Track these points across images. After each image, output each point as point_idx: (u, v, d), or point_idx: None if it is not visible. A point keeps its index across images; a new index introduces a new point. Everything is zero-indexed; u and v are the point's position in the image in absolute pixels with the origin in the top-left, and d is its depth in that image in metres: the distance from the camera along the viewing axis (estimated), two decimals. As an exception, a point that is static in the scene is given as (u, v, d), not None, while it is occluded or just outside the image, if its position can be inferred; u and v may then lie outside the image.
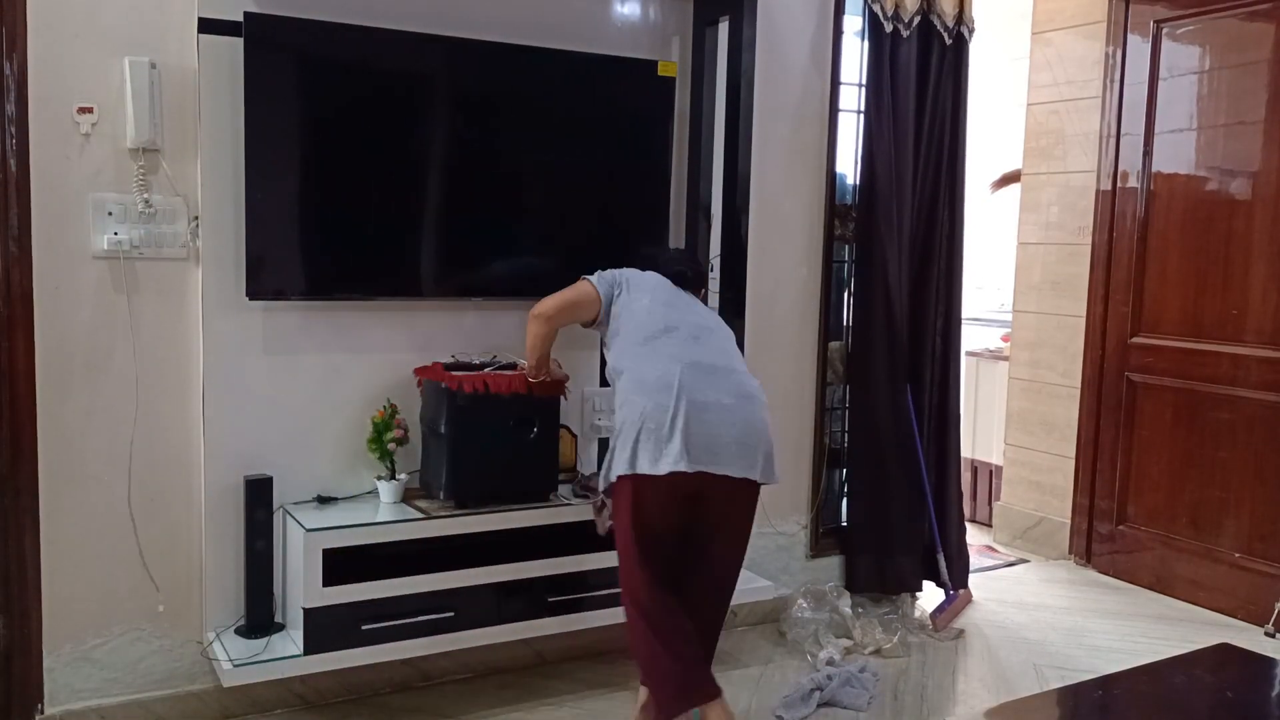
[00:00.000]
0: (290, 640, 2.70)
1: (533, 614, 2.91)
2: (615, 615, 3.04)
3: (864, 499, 3.75)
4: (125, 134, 2.61)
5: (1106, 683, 2.17)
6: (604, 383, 3.29)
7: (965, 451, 5.08)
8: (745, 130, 3.19)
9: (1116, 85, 4.23)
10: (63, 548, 2.65)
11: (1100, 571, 4.34)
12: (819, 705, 3.01)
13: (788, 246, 3.60)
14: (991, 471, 5.09)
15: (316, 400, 2.88)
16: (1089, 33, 4.33)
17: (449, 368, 2.91)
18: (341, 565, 2.66)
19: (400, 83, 2.89)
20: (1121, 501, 4.27)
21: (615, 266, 3.21)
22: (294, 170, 2.77)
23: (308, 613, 2.63)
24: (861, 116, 3.69)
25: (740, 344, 2.95)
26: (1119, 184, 4.24)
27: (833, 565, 3.80)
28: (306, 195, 2.80)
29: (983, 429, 5.19)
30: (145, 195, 2.65)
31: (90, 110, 2.58)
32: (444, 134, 2.97)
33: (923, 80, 3.66)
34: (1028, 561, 4.51)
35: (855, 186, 3.70)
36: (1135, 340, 4.20)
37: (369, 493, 2.93)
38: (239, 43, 2.63)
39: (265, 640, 2.70)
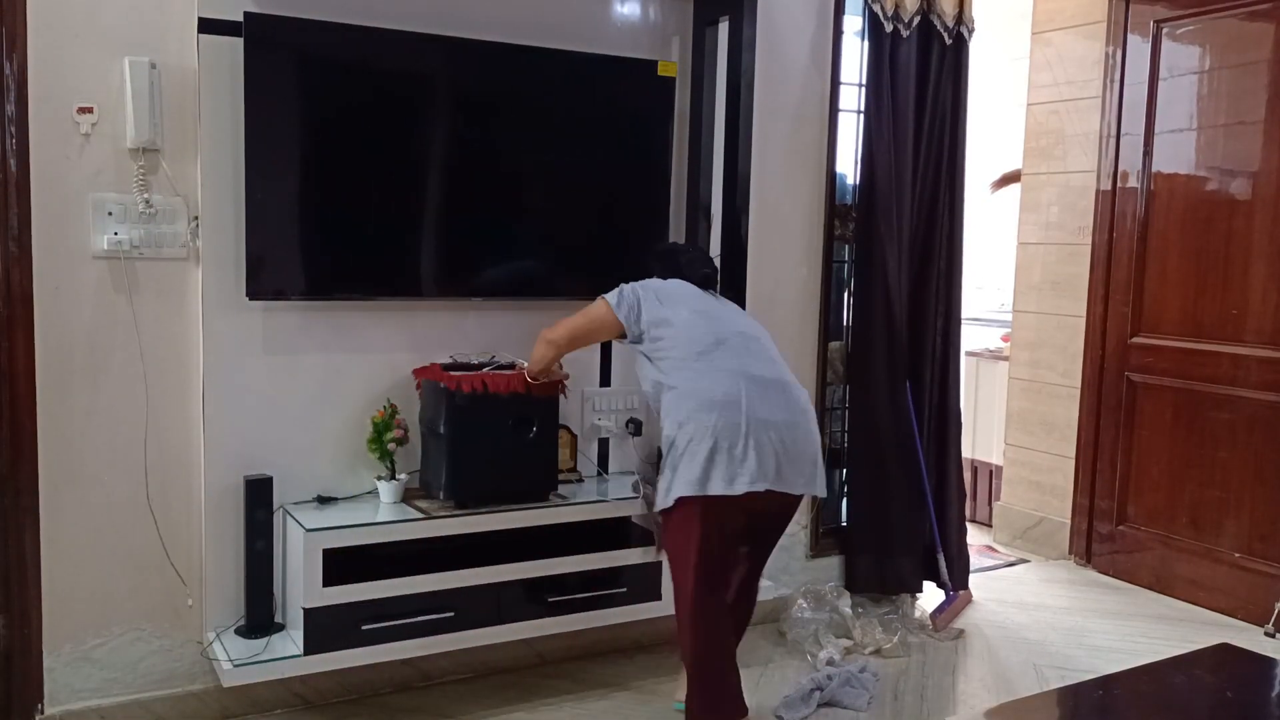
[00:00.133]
0: (290, 640, 2.70)
1: (533, 614, 2.91)
2: (615, 615, 3.05)
3: (864, 499, 3.75)
4: (125, 134, 2.61)
5: (1106, 683, 2.16)
6: (604, 382, 3.30)
7: (965, 451, 5.07)
8: (745, 130, 3.19)
9: (1116, 85, 4.23)
10: (63, 548, 2.65)
11: (1100, 571, 4.34)
12: (819, 705, 3.01)
13: (788, 246, 3.60)
14: (991, 471, 5.09)
15: (316, 400, 2.88)
16: (1089, 33, 4.33)
17: (447, 368, 2.91)
18: (342, 565, 2.66)
19: (400, 83, 2.89)
20: (1121, 501, 4.27)
21: (615, 267, 3.21)
22: (294, 170, 2.77)
23: (308, 613, 2.63)
24: (861, 116, 3.69)
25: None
26: (1119, 184, 4.24)
27: (833, 565, 3.80)
28: (306, 195, 2.80)
29: (983, 429, 5.19)
30: (145, 195, 2.65)
31: (90, 110, 2.58)
32: (444, 134, 2.97)
33: (923, 80, 3.66)
34: (1028, 561, 4.52)
35: (855, 186, 3.70)
36: (1135, 340, 4.20)
37: (369, 493, 2.93)
38: (239, 43, 2.63)
39: (265, 640, 2.70)
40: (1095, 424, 4.35)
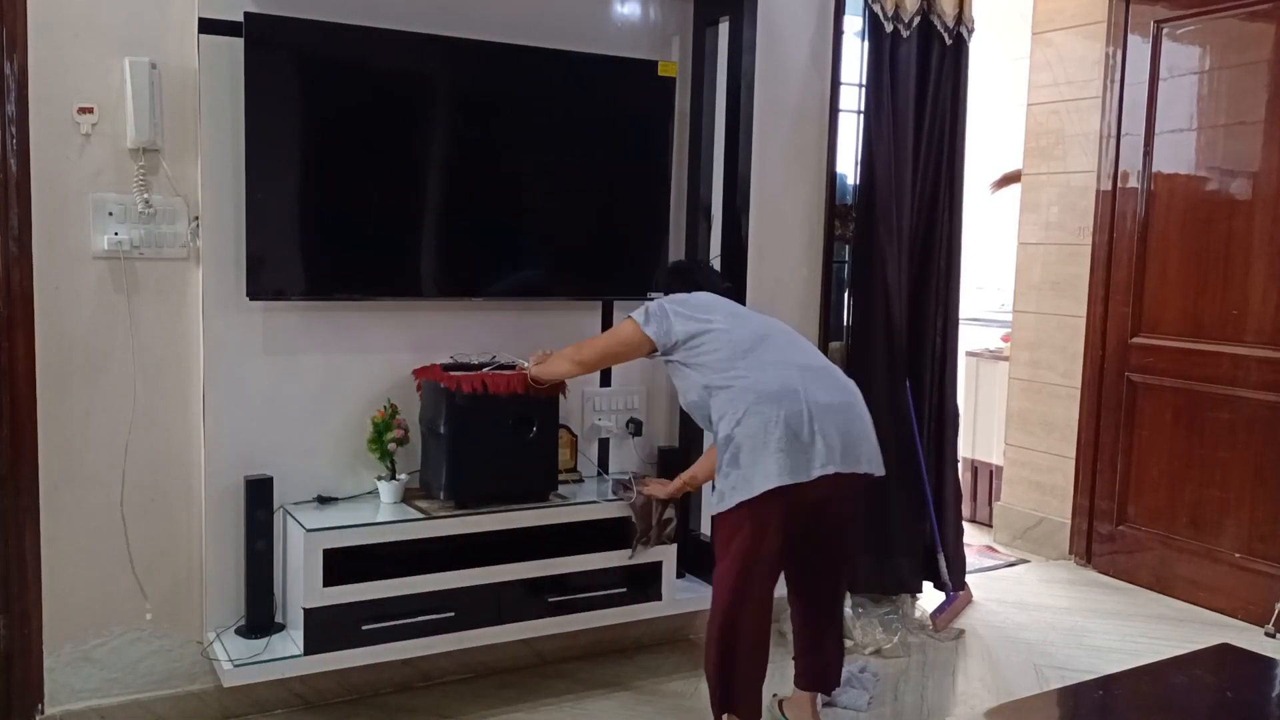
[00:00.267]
0: (290, 640, 2.70)
1: (533, 614, 2.91)
2: (615, 615, 3.05)
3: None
4: (125, 134, 2.61)
5: (1106, 683, 2.16)
6: (604, 383, 3.30)
7: (965, 451, 5.10)
8: (745, 130, 3.19)
9: (1116, 85, 4.23)
10: (63, 548, 2.65)
11: (1100, 572, 4.34)
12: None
13: (788, 247, 3.60)
14: (991, 471, 5.09)
15: (316, 400, 2.88)
16: (1089, 33, 4.33)
17: (448, 368, 2.91)
18: (342, 565, 2.66)
19: (400, 83, 2.89)
20: (1121, 501, 4.27)
21: (615, 267, 3.22)
22: (294, 170, 2.77)
23: (308, 613, 2.63)
24: (861, 116, 3.68)
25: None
26: (1119, 184, 4.24)
27: (833, 565, 3.80)
28: (306, 195, 2.80)
29: (983, 429, 5.19)
30: (145, 195, 2.65)
31: (90, 110, 2.58)
32: (444, 134, 2.97)
33: (923, 80, 3.66)
34: (1028, 562, 4.52)
35: (855, 186, 3.70)
36: (1135, 340, 4.20)
37: (369, 493, 2.93)
38: (239, 43, 2.63)
39: (265, 640, 2.70)
40: (1095, 424, 4.35)
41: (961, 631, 3.66)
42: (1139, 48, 4.16)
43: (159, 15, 2.64)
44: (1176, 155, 4.05)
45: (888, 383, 3.66)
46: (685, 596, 3.19)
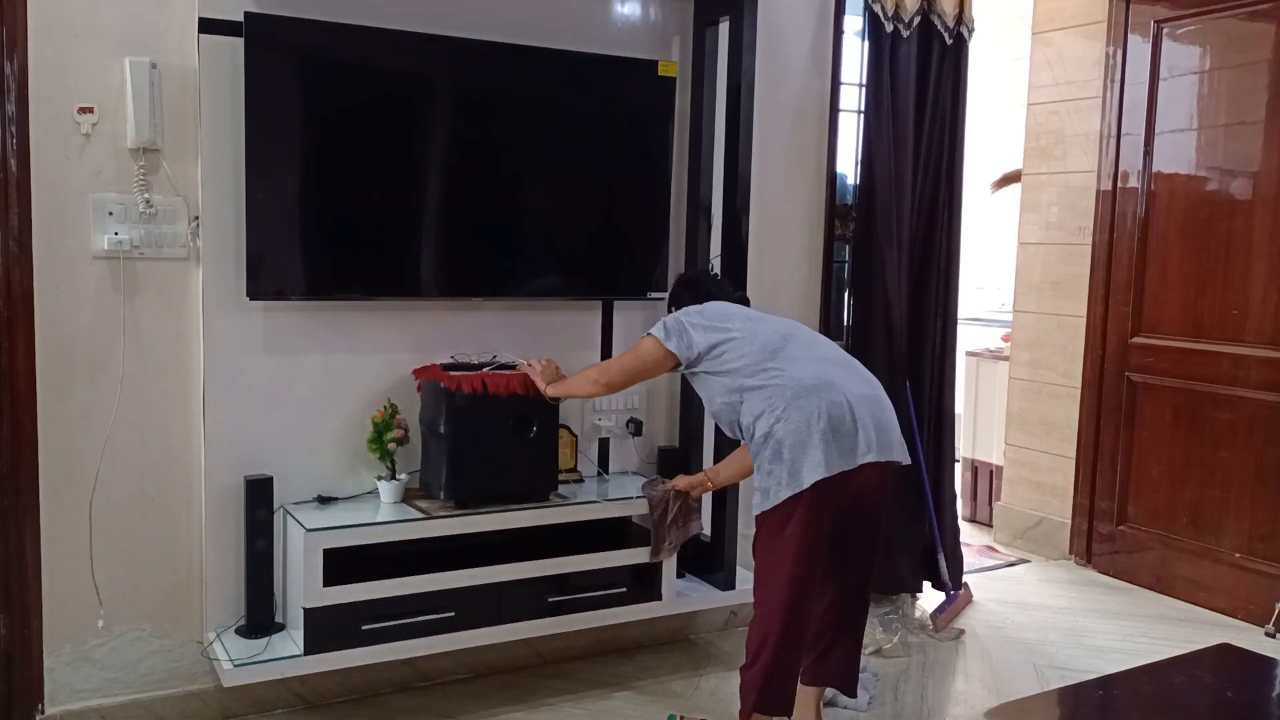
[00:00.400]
0: (290, 640, 2.70)
1: (533, 614, 2.91)
2: (615, 615, 3.05)
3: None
4: (125, 134, 2.61)
5: (1106, 683, 2.17)
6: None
7: (965, 451, 5.10)
8: (745, 130, 3.19)
9: (1117, 85, 4.23)
10: (63, 548, 2.65)
11: (1100, 571, 4.34)
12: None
13: (788, 247, 3.59)
14: (992, 471, 5.09)
15: (316, 400, 2.88)
16: (1089, 33, 4.33)
17: (447, 368, 2.91)
18: (342, 565, 2.66)
19: (400, 83, 2.89)
20: (1122, 501, 4.27)
21: (615, 267, 3.22)
22: (294, 170, 2.77)
23: (308, 613, 2.63)
24: (861, 116, 3.68)
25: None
26: (1119, 184, 4.24)
27: (833, 565, 3.80)
28: (307, 195, 2.80)
29: (983, 429, 5.19)
30: (145, 195, 2.65)
31: (90, 110, 2.58)
32: (444, 134, 2.97)
33: (923, 80, 3.66)
34: (1028, 561, 4.52)
35: (855, 186, 3.70)
36: (1135, 340, 4.20)
37: (369, 493, 2.93)
38: (239, 43, 2.63)
39: (265, 640, 2.70)
40: (1095, 424, 4.35)
41: (961, 631, 3.66)
42: (1139, 48, 4.16)
43: (159, 15, 2.64)
44: (1176, 155, 4.05)
45: (887, 383, 3.62)
46: (685, 596, 3.19)
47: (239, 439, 2.78)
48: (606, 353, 3.27)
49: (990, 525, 4.92)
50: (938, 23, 3.65)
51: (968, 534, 4.01)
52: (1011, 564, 4.49)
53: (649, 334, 2.71)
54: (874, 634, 3.44)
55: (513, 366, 2.92)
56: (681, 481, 3.02)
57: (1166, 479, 4.11)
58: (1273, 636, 3.65)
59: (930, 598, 3.84)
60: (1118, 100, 4.23)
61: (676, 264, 3.33)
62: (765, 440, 2.52)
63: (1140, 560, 4.20)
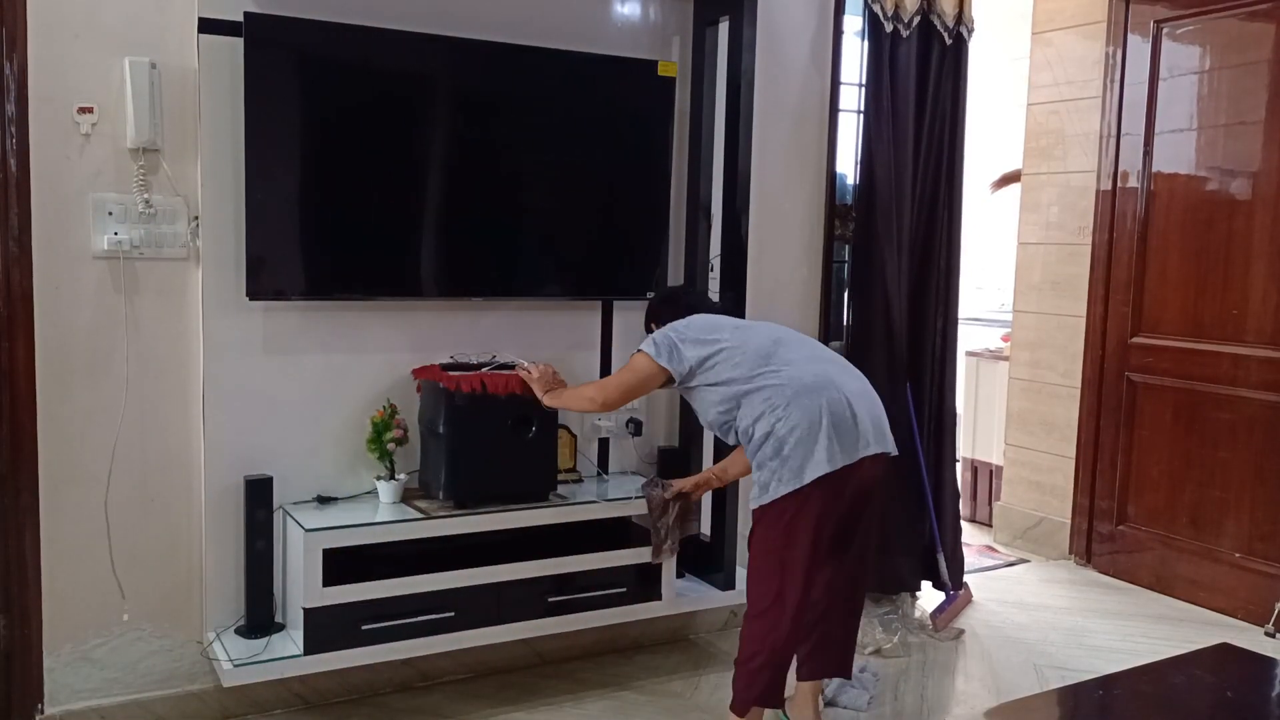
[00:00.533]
0: (290, 640, 2.70)
1: (532, 614, 2.91)
2: (615, 615, 3.05)
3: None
4: (125, 134, 2.61)
5: (1106, 683, 2.17)
6: (604, 383, 3.29)
7: (965, 451, 5.10)
8: (745, 130, 3.19)
9: (1116, 85, 4.23)
10: (63, 548, 2.65)
11: (1100, 571, 4.34)
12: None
13: (788, 246, 3.60)
14: (991, 471, 5.09)
15: (316, 400, 2.88)
16: (1089, 33, 4.33)
17: (447, 368, 2.91)
18: (341, 565, 2.66)
19: (400, 83, 2.89)
20: (1121, 501, 4.27)
21: (615, 267, 3.22)
22: (294, 170, 2.77)
23: (308, 613, 2.63)
24: (861, 116, 3.68)
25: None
26: (1119, 184, 4.24)
27: (833, 565, 3.80)
28: (306, 195, 2.80)
29: (983, 429, 5.19)
30: (145, 195, 2.65)
31: (90, 110, 2.58)
32: (444, 134, 2.97)
33: (922, 80, 3.66)
34: (1028, 561, 4.52)
35: (855, 186, 3.70)
36: (1135, 340, 4.20)
37: (369, 493, 2.93)
38: (239, 43, 2.63)
39: (265, 640, 2.70)
40: (1095, 424, 4.35)
41: (961, 631, 3.66)
42: (1139, 48, 4.16)
43: (159, 15, 2.64)
44: (1176, 155, 4.05)
45: (887, 382, 3.65)
46: (685, 596, 3.19)
47: (239, 439, 2.78)
48: (606, 353, 3.27)
49: (990, 525, 4.92)
50: (937, 23, 3.65)
51: (968, 534, 4.01)
52: (1011, 564, 4.49)
53: (640, 350, 2.72)
54: (874, 634, 3.44)
55: (512, 367, 2.92)
56: (687, 483, 3.02)
57: (1166, 479, 4.11)
58: (1273, 636, 3.65)
59: (930, 598, 3.83)
60: (1117, 100, 4.23)
61: (676, 264, 3.33)
62: (766, 439, 2.53)
63: (1140, 560, 4.20)
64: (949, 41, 3.68)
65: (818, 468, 2.49)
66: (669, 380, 2.70)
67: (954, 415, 3.90)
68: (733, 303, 3.20)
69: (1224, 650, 2.36)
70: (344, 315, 2.91)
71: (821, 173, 3.64)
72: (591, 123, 3.13)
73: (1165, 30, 4.07)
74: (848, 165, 3.73)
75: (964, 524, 4.03)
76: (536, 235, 3.15)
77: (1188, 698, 2.10)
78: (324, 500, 2.87)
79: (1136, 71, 4.16)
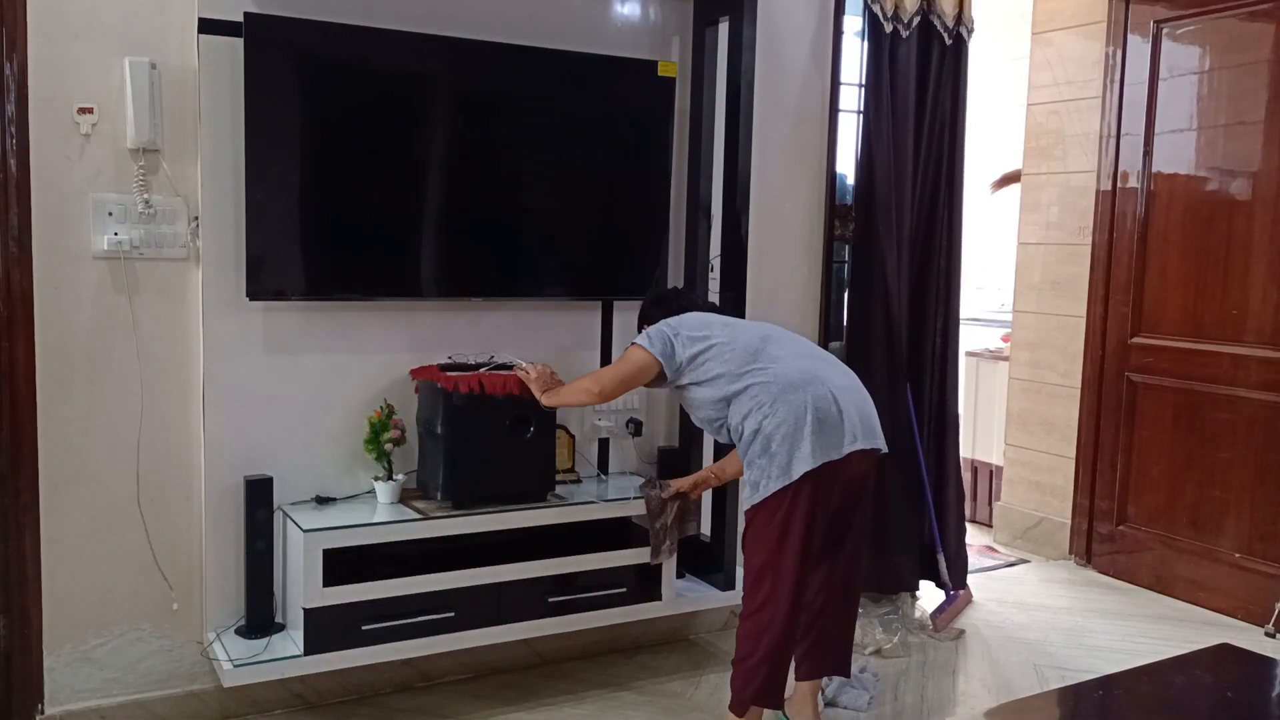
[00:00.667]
0: (290, 640, 2.70)
1: (533, 614, 2.91)
2: (615, 615, 3.05)
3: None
4: (125, 134, 2.61)
5: (1106, 683, 2.16)
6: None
7: (965, 451, 5.09)
8: (745, 130, 3.19)
9: (1116, 85, 4.23)
10: (63, 548, 2.65)
11: (1100, 571, 4.34)
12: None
13: (788, 246, 3.60)
14: (991, 471, 5.09)
15: (316, 400, 2.88)
16: (1089, 33, 4.33)
17: (445, 368, 2.91)
18: (341, 566, 2.66)
19: (400, 83, 2.89)
20: (1121, 501, 4.27)
21: (615, 267, 3.21)
22: (294, 171, 2.77)
23: (308, 613, 2.63)
24: (861, 117, 3.68)
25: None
26: (1119, 184, 4.24)
27: (833, 565, 3.80)
28: (306, 196, 2.80)
29: (983, 429, 5.19)
30: (145, 195, 2.65)
31: (90, 110, 2.59)
32: (444, 134, 2.97)
33: (922, 80, 3.66)
34: (1028, 561, 4.52)
35: (855, 186, 3.70)
36: (1135, 340, 4.20)
37: (367, 493, 2.93)
38: (239, 43, 2.63)
39: (265, 640, 2.70)
40: (1095, 424, 4.35)
41: (961, 631, 3.66)
42: (1139, 48, 4.16)
43: (159, 15, 2.64)
44: (1176, 155, 4.05)
45: (887, 382, 3.66)
46: (685, 596, 3.19)
47: (238, 439, 2.78)
48: (606, 353, 3.27)
49: (990, 525, 4.92)
50: (937, 23, 3.65)
51: (968, 534, 4.01)
52: (1011, 564, 4.49)
53: (634, 343, 2.74)
54: (874, 634, 3.44)
55: (510, 367, 2.92)
56: (685, 483, 3.02)
57: (1166, 479, 4.11)
58: (1273, 636, 3.65)
59: (930, 598, 3.83)
60: (1117, 100, 4.23)
61: (676, 264, 3.33)
62: (754, 436, 2.56)
63: (1140, 560, 4.20)
64: (949, 42, 3.68)
65: (804, 463, 2.51)
66: (660, 377, 2.71)
67: (956, 416, 3.90)
68: (733, 303, 3.20)
69: (1224, 650, 2.35)
70: (344, 315, 2.91)
71: (821, 173, 3.64)
72: (591, 123, 3.13)
73: (1165, 30, 4.07)
74: (848, 165, 3.73)
75: (966, 524, 4.02)
76: (536, 235, 3.15)
77: (1188, 698, 2.10)
78: (322, 500, 2.87)
79: (1136, 71, 4.16)
